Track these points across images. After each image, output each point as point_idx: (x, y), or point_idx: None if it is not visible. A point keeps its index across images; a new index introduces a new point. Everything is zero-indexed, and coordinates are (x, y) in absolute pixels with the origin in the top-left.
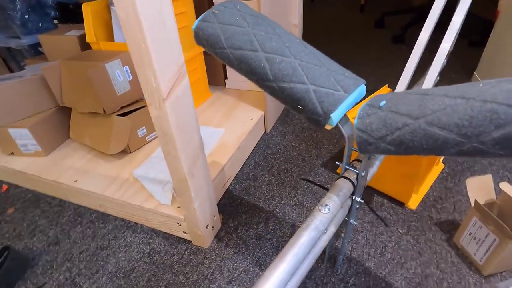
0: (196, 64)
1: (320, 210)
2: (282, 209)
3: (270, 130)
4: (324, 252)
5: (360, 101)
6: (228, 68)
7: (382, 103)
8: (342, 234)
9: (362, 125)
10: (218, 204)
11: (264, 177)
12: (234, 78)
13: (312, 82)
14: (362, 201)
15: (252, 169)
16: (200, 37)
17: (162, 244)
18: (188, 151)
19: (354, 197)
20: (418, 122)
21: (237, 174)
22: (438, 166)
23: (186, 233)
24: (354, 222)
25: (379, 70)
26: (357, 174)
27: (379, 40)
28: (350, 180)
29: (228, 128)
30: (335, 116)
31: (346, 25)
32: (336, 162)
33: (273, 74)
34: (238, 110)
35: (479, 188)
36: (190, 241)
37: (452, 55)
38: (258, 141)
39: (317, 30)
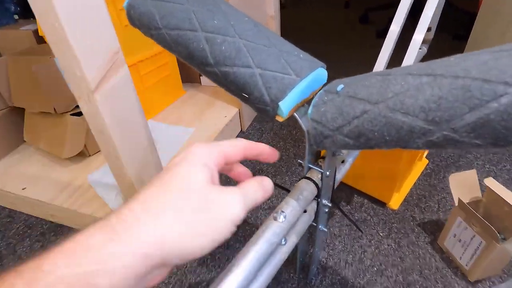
0: (166, 59)
1: (275, 219)
2: (253, 214)
3: (247, 129)
4: (295, 262)
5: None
6: None
7: (340, 87)
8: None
9: (316, 114)
10: None
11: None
12: None
13: (258, 65)
14: (330, 205)
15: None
16: (132, 17)
17: None
18: (134, 152)
19: (320, 200)
20: (378, 108)
21: None
22: (421, 162)
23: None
24: (324, 229)
25: (361, 66)
26: (321, 173)
27: (364, 35)
28: (313, 181)
29: (199, 127)
30: (285, 105)
31: (331, 21)
32: (299, 161)
33: (213, 57)
34: (212, 108)
35: (463, 184)
36: None
37: (436, 49)
38: None
39: (301, 27)
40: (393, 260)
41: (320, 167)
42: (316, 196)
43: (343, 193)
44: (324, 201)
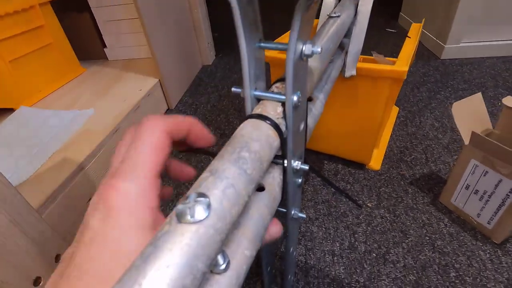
0: (40, 20)
1: (179, 219)
2: None
3: (176, 105)
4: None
5: None
6: (105, 32)
7: None
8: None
9: None
10: None
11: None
12: (115, 44)
13: None
14: (306, 167)
15: (180, 155)
16: None
17: None
18: None
19: (286, 162)
20: None
21: None
22: (393, 110)
23: None
24: (300, 214)
25: None
26: (282, 103)
27: None
28: (271, 121)
29: (102, 108)
30: None
31: None
32: (233, 89)
33: None
34: (121, 84)
35: (469, 114)
36: None
37: (376, 1)
38: None
39: None
40: (393, 237)
41: (279, 93)
42: (279, 153)
43: (309, 161)
44: (296, 163)
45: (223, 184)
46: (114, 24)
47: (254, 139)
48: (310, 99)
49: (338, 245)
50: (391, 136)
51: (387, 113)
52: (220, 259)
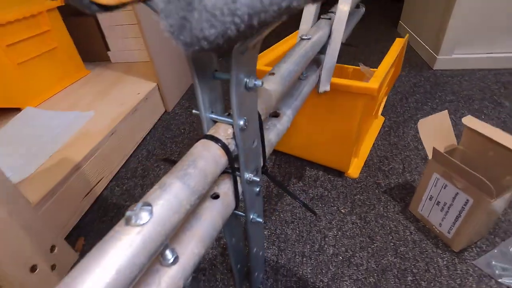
0: (47, 25)
1: (127, 222)
2: None
3: (173, 108)
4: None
5: None
6: (109, 35)
7: None
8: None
9: None
10: (81, 223)
11: (158, 170)
12: (118, 47)
13: None
14: (258, 180)
15: (142, 161)
16: None
17: None
18: None
19: (239, 174)
20: None
21: (117, 172)
22: (378, 120)
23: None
24: (257, 219)
25: None
26: (233, 126)
27: None
28: (219, 141)
29: (101, 110)
30: None
31: None
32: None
33: None
34: (120, 86)
35: (435, 131)
36: None
37: (376, 10)
38: (155, 123)
39: None
40: (361, 242)
41: (231, 117)
42: (229, 168)
43: (292, 168)
44: (248, 175)
45: (167, 196)
46: (117, 28)
47: (202, 158)
48: (276, 115)
49: (308, 247)
50: (373, 145)
51: (365, 125)
52: (168, 254)
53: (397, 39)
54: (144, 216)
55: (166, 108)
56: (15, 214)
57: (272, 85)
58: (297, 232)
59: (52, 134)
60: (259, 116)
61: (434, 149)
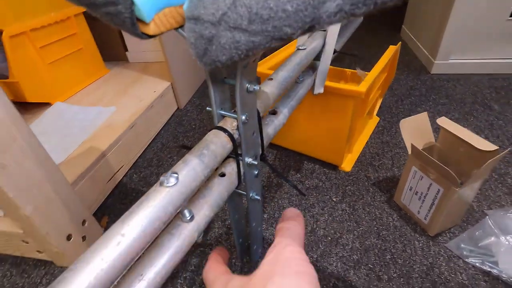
0: (74, 29)
1: (161, 184)
2: None
3: (185, 106)
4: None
5: None
6: (126, 38)
7: None
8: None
9: (193, 7)
10: (104, 204)
11: (171, 160)
12: (136, 48)
13: None
14: (255, 163)
15: (157, 152)
16: None
17: (9, 274)
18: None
19: (241, 158)
20: None
21: (136, 161)
22: (372, 120)
23: (41, 252)
24: (256, 197)
25: None
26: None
27: None
28: (225, 131)
29: (121, 106)
30: (143, 1)
31: None
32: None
33: None
34: (138, 85)
35: (415, 129)
36: (51, 262)
37: (380, 16)
38: (169, 119)
39: None
40: (348, 226)
41: (235, 113)
42: (233, 153)
43: (291, 161)
44: (248, 160)
45: (188, 167)
46: None
47: (213, 143)
48: (274, 113)
49: None
50: (367, 142)
51: (358, 124)
52: (186, 212)
53: (390, 46)
54: (172, 180)
55: (179, 105)
56: (57, 190)
57: (270, 88)
58: None
59: (80, 126)
60: (258, 113)
61: (412, 145)
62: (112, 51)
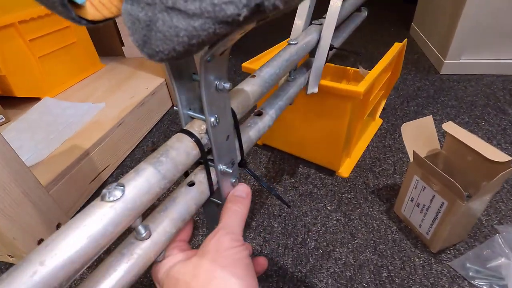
0: (66, 22)
1: (102, 198)
2: None
3: None
4: None
5: None
6: (123, 32)
7: None
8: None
9: None
10: (86, 205)
11: None
12: (132, 43)
13: None
14: (229, 171)
15: (147, 152)
16: None
17: None
18: None
19: (212, 165)
20: None
21: (123, 161)
22: (375, 122)
23: (12, 257)
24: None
25: None
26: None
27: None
28: (191, 134)
29: (111, 102)
30: None
31: None
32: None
33: None
34: (131, 81)
35: (419, 135)
36: None
37: (389, 11)
38: (162, 117)
39: None
40: (342, 238)
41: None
42: (202, 159)
43: (286, 165)
44: (221, 167)
45: (140, 179)
46: None
47: (174, 148)
48: (259, 114)
49: (292, 239)
50: (368, 146)
51: (357, 126)
52: (141, 229)
53: (395, 44)
54: (117, 193)
55: (174, 103)
56: (27, 192)
57: (251, 87)
58: (283, 225)
59: (66, 122)
60: (234, 114)
61: (414, 152)
62: (108, 46)
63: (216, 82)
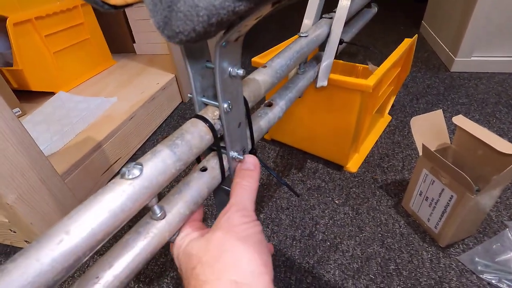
0: (81, 18)
1: (122, 176)
2: None
3: (190, 99)
4: None
5: None
6: (134, 30)
7: None
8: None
9: None
10: None
11: None
12: (143, 40)
13: None
14: (241, 157)
15: None
16: None
17: None
18: None
19: (224, 152)
20: None
21: (134, 154)
22: (384, 119)
23: (28, 242)
24: None
25: None
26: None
27: None
28: (205, 120)
29: (123, 97)
30: None
31: None
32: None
33: None
34: (142, 77)
35: (428, 129)
36: None
37: (399, 9)
38: (172, 112)
39: None
40: (350, 231)
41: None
42: (214, 145)
43: (294, 159)
44: (233, 154)
45: (156, 159)
46: (142, 22)
47: (189, 132)
48: (270, 105)
49: (300, 232)
50: (376, 142)
51: (366, 122)
52: (157, 209)
53: (405, 39)
54: (136, 172)
55: (183, 98)
56: (44, 179)
57: (262, 76)
58: (291, 218)
59: (80, 116)
60: (246, 102)
61: (423, 145)
62: (120, 43)
63: (230, 68)
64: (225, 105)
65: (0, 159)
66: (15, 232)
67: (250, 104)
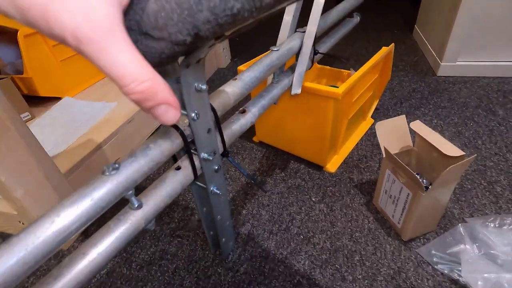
0: None
1: (102, 172)
2: None
3: None
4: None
5: None
6: None
7: None
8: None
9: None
10: None
11: None
12: None
13: None
14: (210, 158)
15: None
16: None
17: None
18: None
19: (195, 153)
20: None
21: None
22: (366, 122)
23: None
24: (216, 191)
25: None
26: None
27: None
28: (177, 128)
29: (123, 102)
30: None
31: None
32: None
33: None
34: None
35: (393, 132)
36: None
37: (394, 13)
38: None
39: None
40: (323, 226)
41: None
42: (185, 148)
43: (278, 160)
44: (204, 155)
45: (131, 159)
46: None
47: (161, 137)
48: (243, 111)
49: (277, 226)
50: (357, 144)
51: (341, 125)
52: (134, 201)
53: (383, 48)
54: (113, 170)
55: None
56: (49, 177)
57: (232, 88)
58: (270, 213)
59: (83, 119)
60: (215, 111)
61: (384, 148)
62: None
63: (195, 84)
64: (193, 114)
65: (11, 159)
66: (23, 224)
67: (219, 113)
